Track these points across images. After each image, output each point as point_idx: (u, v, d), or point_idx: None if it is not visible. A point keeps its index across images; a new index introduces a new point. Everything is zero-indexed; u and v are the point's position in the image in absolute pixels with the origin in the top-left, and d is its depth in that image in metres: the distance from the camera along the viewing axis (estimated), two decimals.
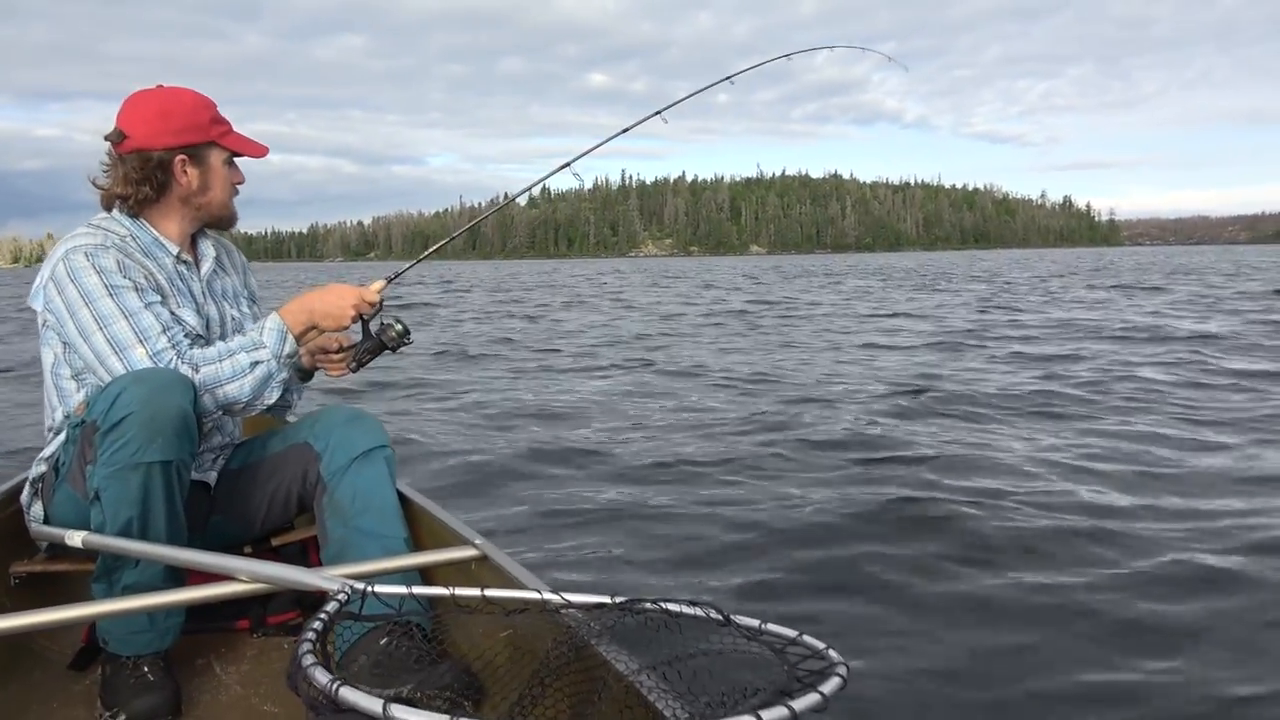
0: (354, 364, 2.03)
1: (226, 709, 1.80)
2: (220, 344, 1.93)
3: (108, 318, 1.83)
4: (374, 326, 2.01)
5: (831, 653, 1.22)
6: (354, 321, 1.98)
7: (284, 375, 1.95)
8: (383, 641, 1.76)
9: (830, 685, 1.13)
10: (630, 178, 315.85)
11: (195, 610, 1.89)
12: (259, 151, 2.07)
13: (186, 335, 1.92)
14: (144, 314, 1.85)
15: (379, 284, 2.03)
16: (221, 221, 2.10)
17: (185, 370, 1.84)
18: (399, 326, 2.00)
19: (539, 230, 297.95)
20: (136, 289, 1.87)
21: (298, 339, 1.96)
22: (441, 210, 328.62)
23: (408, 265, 2.21)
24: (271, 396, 1.94)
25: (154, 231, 2.01)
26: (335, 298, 1.96)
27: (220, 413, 1.92)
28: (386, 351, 2.01)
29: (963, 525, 3.45)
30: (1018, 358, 8.82)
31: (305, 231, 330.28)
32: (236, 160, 2.07)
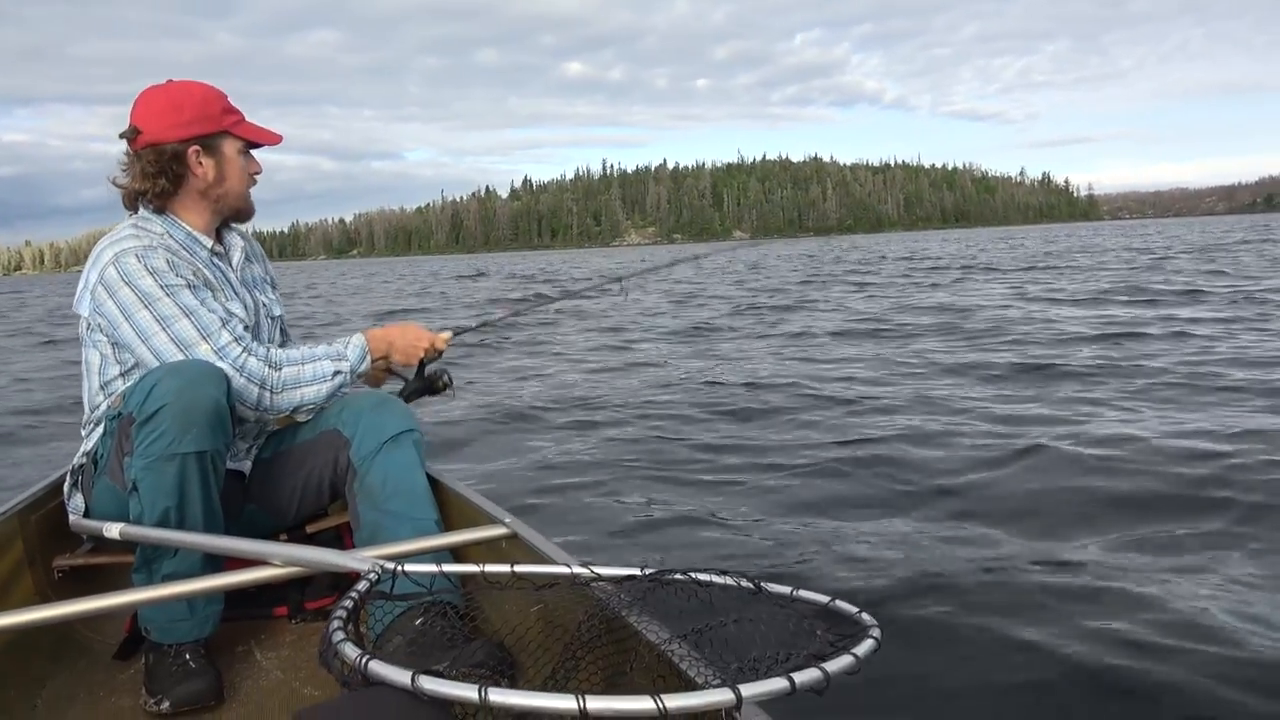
0: (400, 398, 2.16)
1: (267, 694, 1.84)
2: (302, 348, 2.03)
3: (169, 318, 1.87)
4: (429, 370, 2.16)
5: (865, 616, 1.25)
6: (418, 362, 2.14)
7: (347, 390, 2.06)
8: (417, 622, 1.80)
9: (864, 648, 1.15)
10: (611, 167, 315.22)
11: (234, 599, 1.94)
12: (272, 139, 2.11)
13: (245, 329, 1.98)
14: (202, 311, 1.90)
15: (447, 335, 2.19)
16: (240, 214, 2.13)
17: (257, 365, 1.91)
18: (446, 377, 2.20)
19: (521, 222, 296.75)
20: (190, 286, 1.92)
21: (375, 361, 2.09)
22: (424, 205, 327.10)
23: (474, 326, 2.43)
24: (327, 403, 2.06)
25: (186, 227, 2.04)
26: (414, 338, 2.13)
27: (290, 411, 2.00)
28: (429, 395, 2.18)
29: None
30: None
31: (286, 231, 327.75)
32: (253, 151, 2.10)
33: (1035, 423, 4.80)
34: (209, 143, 2.00)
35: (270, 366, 1.93)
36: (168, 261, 1.90)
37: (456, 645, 1.71)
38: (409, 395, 2.17)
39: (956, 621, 2.47)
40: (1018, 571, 2.80)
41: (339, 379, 2.01)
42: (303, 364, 1.97)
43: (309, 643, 2.04)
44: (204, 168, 2.00)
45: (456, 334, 2.22)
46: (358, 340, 2.07)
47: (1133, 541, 3.01)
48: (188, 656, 1.81)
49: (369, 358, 2.07)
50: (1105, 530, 3.13)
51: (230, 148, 2.03)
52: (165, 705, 1.74)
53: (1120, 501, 3.41)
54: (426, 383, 2.17)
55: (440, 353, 2.16)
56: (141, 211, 2.02)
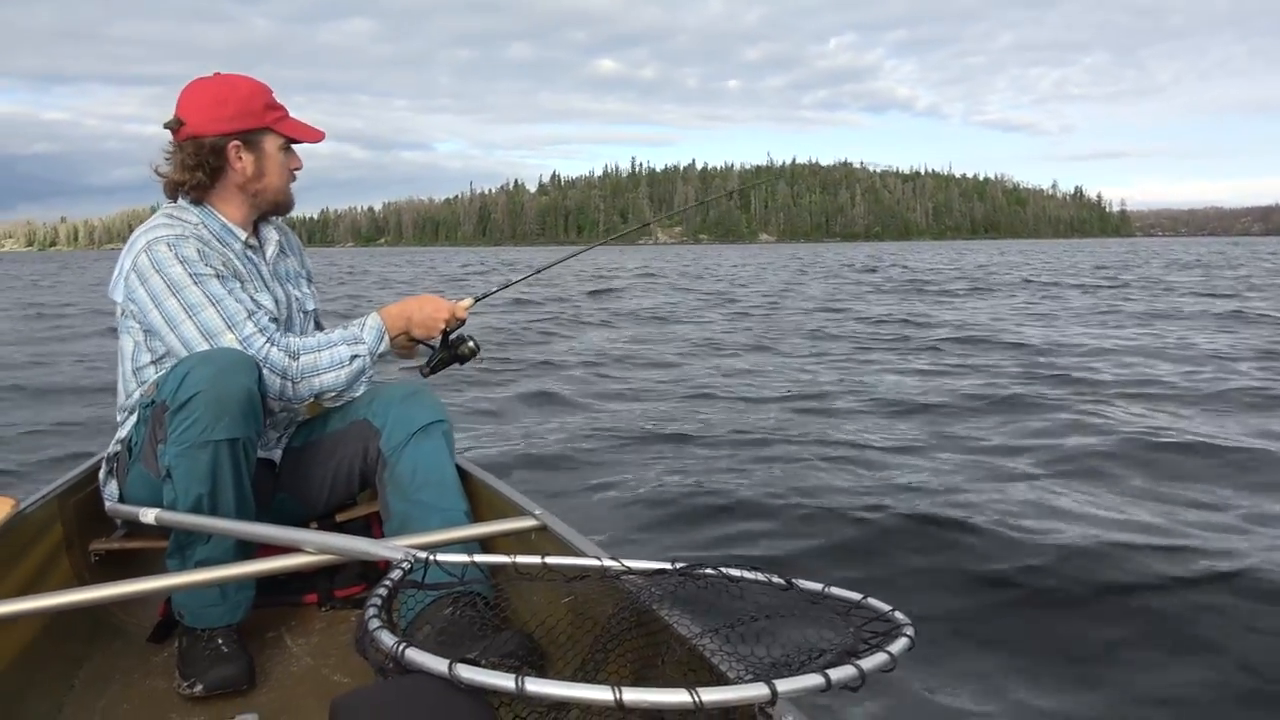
0: (427, 369, 2.15)
1: (298, 679, 1.86)
2: (319, 334, 2.02)
3: (195, 306, 1.90)
4: (452, 339, 2.14)
5: (897, 614, 1.24)
6: (440, 334, 2.11)
7: (372, 372, 2.05)
8: (446, 611, 1.80)
9: (898, 645, 1.14)
10: (640, 165, 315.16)
11: (265, 585, 1.97)
12: (314, 136, 2.11)
13: (271, 320, 1.99)
14: (229, 300, 1.92)
15: (468, 302, 2.15)
16: (279, 208, 2.14)
17: (279, 356, 1.92)
18: (471, 344, 2.15)
19: (549, 217, 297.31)
20: (218, 276, 1.94)
21: (393, 340, 2.07)
22: (451, 197, 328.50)
23: (496, 289, 2.37)
24: (358, 390, 2.06)
25: (222, 218, 2.06)
26: (432, 309, 2.09)
27: (312, 399, 2.01)
28: (456, 363, 2.15)
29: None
30: None
31: (316, 217, 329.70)
32: (295, 147, 2.11)
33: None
34: (250, 138, 2.01)
35: (289, 356, 1.94)
36: (198, 251, 1.93)
37: (485, 635, 1.72)
38: (435, 366, 2.14)
39: (985, 631, 2.45)
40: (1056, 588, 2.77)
41: (357, 363, 2.00)
42: (319, 351, 1.97)
43: (338, 630, 2.06)
44: (243, 163, 2.02)
45: (477, 300, 2.20)
46: (373, 321, 2.05)
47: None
48: (220, 641, 1.83)
49: (386, 337, 2.05)
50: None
51: (271, 144, 2.04)
52: (198, 688, 1.77)
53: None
54: (451, 352, 2.14)
55: (462, 321, 2.14)
56: (180, 201, 2.05)
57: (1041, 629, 2.55)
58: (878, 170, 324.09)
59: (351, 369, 1.99)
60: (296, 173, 2.13)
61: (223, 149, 1.99)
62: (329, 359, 1.97)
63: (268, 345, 1.92)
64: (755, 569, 1.44)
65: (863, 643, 1.18)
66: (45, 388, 7.27)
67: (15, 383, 7.43)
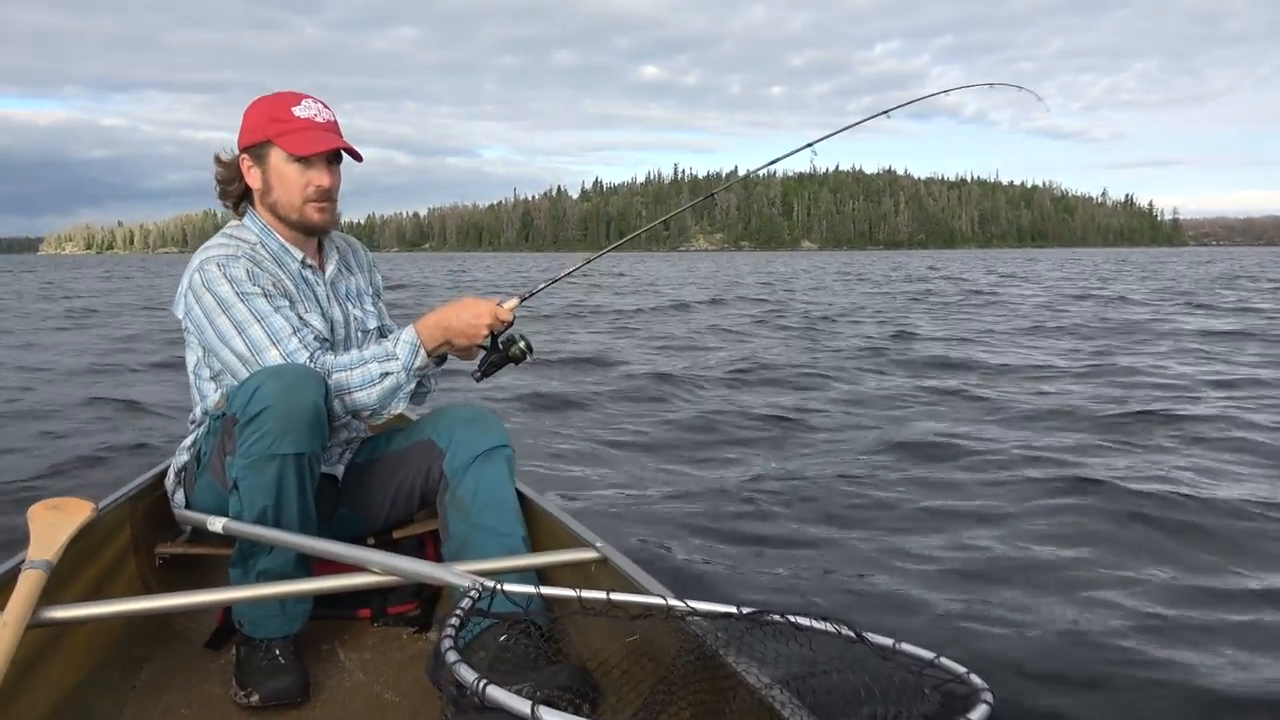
0: (479, 374, 2.08)
1: (350, 695, 1.87)
2: (354, 351, 1.99)
3: (243, 324, 1.93)
4: (502, 341, 2.05)
5: (974, 678, 1.20)
6: (486, 338, 2.02)
7: (411, 387, 2.00)
8: (501, 639, 1.79)
9: (978, 713, 1.10)
10: (683, 172, 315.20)
11: (320, 598, 1.98)
12: (302, 150, 1.98)
13: (316, 338, 2.00)
14: (274, 317, 1.94)
15: (513, 302, 2.05)
16: (301, 226, 2.07)
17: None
18: (523, 343, 2.04)
19: (590, 223, 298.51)
20: (265, 295, 1.96)
21: (431, 352, 2.00)
22: (495, 203, 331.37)
23: (542, 286, 2.26)
24: (398, 407, 2.01)
25: (280, 238, 2.09)
26: (471, 316, 1.99)
27: (349, 416, 2.01)
28: (510, 364, 2.06)
29: None
30: None
31: (362, 222, 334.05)
32: (340, 164, 2.07)
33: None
34: (257, 152, 2.03)
35: (322, 373, 1.92)
36: (248, 271, 1.97)
37: (540, 667, 1.71)
38: (486, 370, 2.05)
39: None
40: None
41: (389, 380, 1.95)
42: (350, 369, 1.95)
43: (390, 647, 2.08)
44: (252, 176, 2.05)
45: (523, 299, 2.09)
46: (407, 335, 1.98)
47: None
48: (278, 652, 1.85)
49: (421, 350, 1.97)
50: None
51: (276, 157, 2.01)
52: (254, 698, 1.79)
53: None
54: (502, 355, 2.04)
55: (508, 323, 2.03)
56: (244, 219, 2.10)
57: None
58: (922, 178, 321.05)
59: (383, 386, 1.96)
60: (322, 189, 2.02)
61: (235, 163, 2.06)
62: (360, 377, 1.95)
63: (308, 362, 1.92)
64: (825, 618, 1.40)
65: (939, 706, 1.15)
66: None
67: None
